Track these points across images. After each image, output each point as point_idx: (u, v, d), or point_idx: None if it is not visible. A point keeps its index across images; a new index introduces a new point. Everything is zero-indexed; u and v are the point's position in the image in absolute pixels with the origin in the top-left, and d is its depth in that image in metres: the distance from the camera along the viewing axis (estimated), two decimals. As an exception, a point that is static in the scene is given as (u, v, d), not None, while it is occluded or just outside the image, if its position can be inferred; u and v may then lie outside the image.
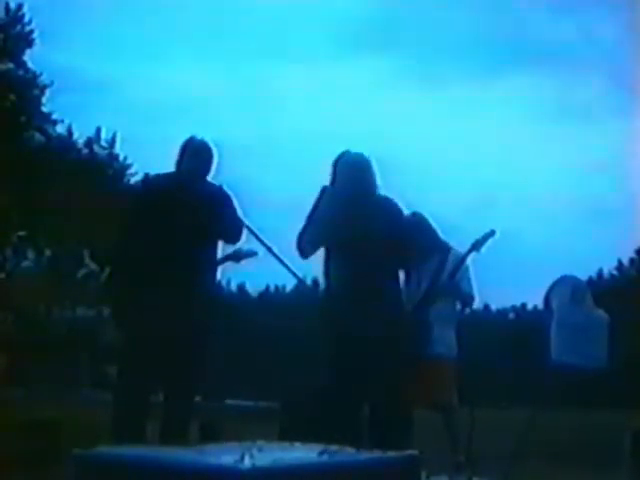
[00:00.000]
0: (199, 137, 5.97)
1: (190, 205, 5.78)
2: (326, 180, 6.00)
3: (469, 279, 6.63)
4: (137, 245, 5.76)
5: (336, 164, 5.98)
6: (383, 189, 6.04)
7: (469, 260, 6.59)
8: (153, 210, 5.84)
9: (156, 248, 5.68)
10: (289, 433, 5.93)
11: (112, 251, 6.39)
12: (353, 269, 5.78)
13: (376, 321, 5.64)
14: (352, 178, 5.91)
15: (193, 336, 5.66)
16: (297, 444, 3.69)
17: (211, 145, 5.95)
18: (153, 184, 6.15)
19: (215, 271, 5.90)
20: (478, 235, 6.49)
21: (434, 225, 6.79)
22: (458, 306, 6.75)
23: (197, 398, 6.57)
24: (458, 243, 6.82)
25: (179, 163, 5.94)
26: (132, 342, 5.71)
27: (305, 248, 5.89)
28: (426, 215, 6.82)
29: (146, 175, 6.40)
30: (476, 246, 6.46)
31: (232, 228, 5.90)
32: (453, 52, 47.41)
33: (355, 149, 6.07)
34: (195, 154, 5.88)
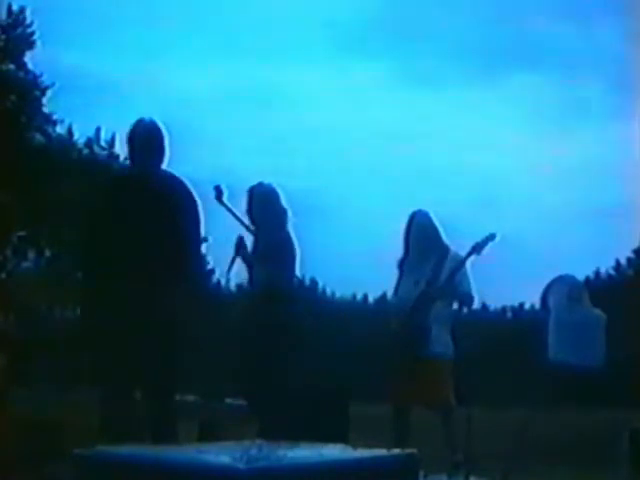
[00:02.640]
0: (146, 119, 5.81)
1: (147, 202, 5.68)
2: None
3: (468, 280, 6.65)
4: (99, 245, 5.71)
5: None
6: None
7: (468, 262, 6.62)
8: (111, 208, 5.75)
9: (117, 248, 5.62)
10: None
11: (78, 252, 6.39)
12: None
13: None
14: None
15: (159, 334, 5.57)
16: (296, 443, 3.71)
17: (159, 126, 5.79)
18: (112, 181, 6.11)
19: (181, 267, 5.72)
20: (477, 235, 6.53)
21: (437, 224, 6.82)
22: (455, 306, 6.76)
23: (196, 397, 6.59)
24: (457, 243, 6.84)
25: (131, 154, 5.83)
26: (100, 342, 5.70)
27: None
28: (430, 214, 6.85)
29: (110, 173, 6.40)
30: (476, 249, 6.49)
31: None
32: (453, 54, 47.45)
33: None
34: (143, 143, 5.74)
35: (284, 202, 6.80)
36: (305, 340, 6.86)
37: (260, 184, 6.81)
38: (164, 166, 5.80)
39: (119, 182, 5.97)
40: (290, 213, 6.81)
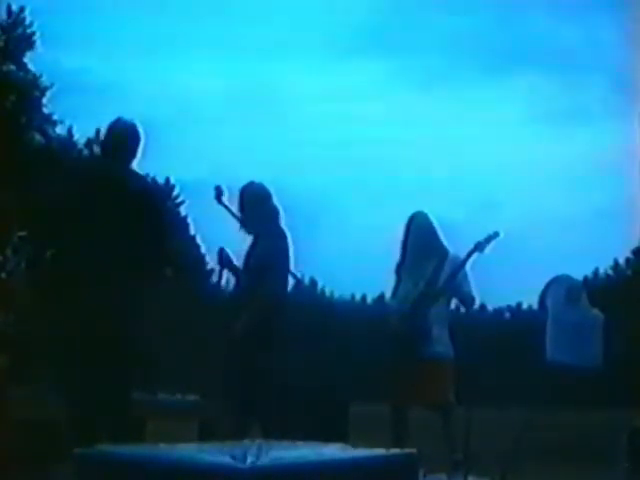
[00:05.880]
0: (126, 119, 5.91)
1: (112, 198, 5.70)
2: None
3: (468, 281, 6.65)
4: (60, 242, 5.76)
5: None
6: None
7: (468, 262, 6.62)
8: (72, 201, 5.77)
9: (77, 245, 5.63)
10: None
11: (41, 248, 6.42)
12: None
13: None
14: None
15: (115, 335, 5.60)
16: (296, 443, 3.72)
17: (137, 128, 5.89)
18: (76, 173, 6.13)
19: (145, 267, 5.76)
20: (476, 236, 6.52)
21: (436, 225, 6.82)
22: (454, 306, 6.77)
23: (196, 397, 6.60)
24: (456, 243, 6.84)
25: (104, 147, 5.95)
26: (59, 341, 5.80)
27: None
28: (429, 215, 6.86)
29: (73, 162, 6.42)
30: (479, 247, 6.48)
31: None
32: (454, 55, 47.45)
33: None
34: (118, 140, 5.82)
35: (275, 201, 6.67)
36: (295, 344, 6.81)
37: (251, 184, 6.68)
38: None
39: (86, 177, 6.00)
40: (282, 212, 6.67)
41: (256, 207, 6.56)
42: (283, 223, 6.66)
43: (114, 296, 5.56)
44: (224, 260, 6.64)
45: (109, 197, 5.71)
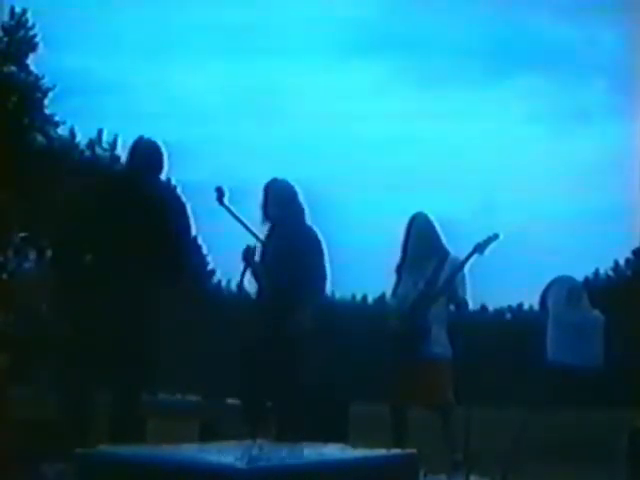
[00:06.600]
0: (147, 138, 5.98)
1: (136, 207, 5.78)
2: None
3: (465, 285, 6.64)
4: (82, 246, 5.80)
5: None
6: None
7: (468, 264, 6.61)
8: (97, 210, 5.83)
9: (100, 249, 5.71)
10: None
11: (58, 250, 6.44)
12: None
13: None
14: None
15: (130, 336, 5.65)
16: (297, 443, 3.73)
17: (160, 148, 5.96)
18: (102, 183, 6.18)
19: (163, 272, 5.82)
20: (477, 236, 6.52)
21: (437, 227, 6.81)
22: (452, 307, 6.76)
23: (198, 397, 6.60)
24: (456, 244, 6.85)
25: (130, 167, 6.01)
26: (75, 341, 5.79)
27: None
28: (429, 216, 6.85)
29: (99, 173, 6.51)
30: (478, 249, 6.47)
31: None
32: (454, 54, 47.44)
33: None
34: (143, 155, 5.90)
35: (301, 199, 6.62)
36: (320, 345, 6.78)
37: (275, 180, 6.62)
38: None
39: (109, 184, 6.06)
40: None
41: (284, 204, 6.51)
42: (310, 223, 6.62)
43: (124, 299, 5.62)
44: (250, 258, 6.54)
45: (133, 205, 5.79)
